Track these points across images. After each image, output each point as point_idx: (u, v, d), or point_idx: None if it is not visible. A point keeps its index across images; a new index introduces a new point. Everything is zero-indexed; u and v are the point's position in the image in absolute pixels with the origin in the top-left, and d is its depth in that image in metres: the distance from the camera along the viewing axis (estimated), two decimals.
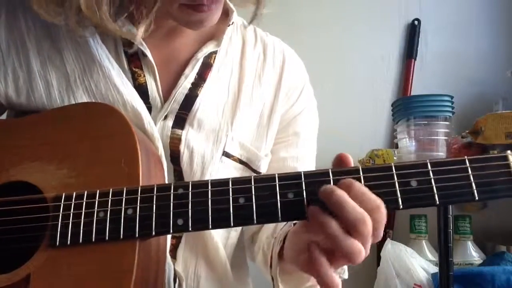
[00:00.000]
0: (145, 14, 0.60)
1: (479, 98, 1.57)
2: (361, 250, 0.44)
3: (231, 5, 0.71)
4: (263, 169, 0.71)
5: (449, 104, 1.21)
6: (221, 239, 0.68)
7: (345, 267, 0.63)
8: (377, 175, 0.46)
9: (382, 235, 0.46)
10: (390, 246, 1.31)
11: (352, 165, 0.49)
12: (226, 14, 0.71)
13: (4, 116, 0.68)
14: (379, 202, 0.45)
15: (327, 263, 0.45)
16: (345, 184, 0.46)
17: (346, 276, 0.63)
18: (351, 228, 0.44)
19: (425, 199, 0.45)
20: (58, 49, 0.63)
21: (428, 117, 1.21)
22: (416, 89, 1.63)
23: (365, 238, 0.44)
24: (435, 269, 1.25)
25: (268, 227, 0.70)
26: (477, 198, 0.44)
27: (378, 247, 1.43)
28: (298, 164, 0.74)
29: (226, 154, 0.66)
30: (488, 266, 1.23)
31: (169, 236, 0.61)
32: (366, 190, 0.45)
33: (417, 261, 1.29)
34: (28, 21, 0.64)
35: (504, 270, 1.17)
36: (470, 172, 0.45)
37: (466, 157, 0.46)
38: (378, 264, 1.35)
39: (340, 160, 0.49)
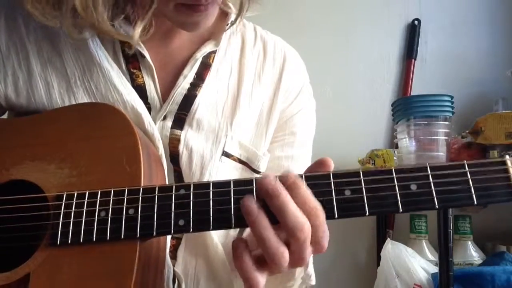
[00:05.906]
0: (141, 15, 0.60)
1: (479, 98, 1.57)
2: (284, 256, 0.44)
3: (230, 4, 0.70)
4: (263, 168, 0.70)
5: (449, 104, 1.21)
6: (221, 238, 0.68)
7: (311, 272, 0.63)
8: (377, 178, 0.47)
9: (325, 245, 0.45)
10: (390, 246, 1.31)
11: (332, 169, 0.48)
12: (224, 13, 0.71)
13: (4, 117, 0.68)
14: (319, 207, 0.45)
15: (250, 261, 0.45)
16: (289, 183, 0.45)
17: (312, 282, 0.63)
18: (288, 233, 0.44)
19: (425, 203, 0.46)
20: (58, 51, 0.63)
21: (428, 117, 1.21)
22: (416, 89, 1.64)
23: (300, 244, 0.44)
24: (435, 269, 1.25)
25: None
26: (475, 202, 0.45)
27: (378, 247, 1.44)
28: (292, 164, 0.73)
29: (225, 154, 0.66)
30: (488, 266, 1.23)
31: (169, 237, 0.60)
32: (309, 193, 0.45)
33: (417, 261, 1.29)
34: (28, 23, 0.64)
35: (504, 270, 1.17)
36: (469, 176, 0.46)
37: (465, 161, 0.46)
38: (378, 264, 1.35)
39: (320, 164, 0.49)
